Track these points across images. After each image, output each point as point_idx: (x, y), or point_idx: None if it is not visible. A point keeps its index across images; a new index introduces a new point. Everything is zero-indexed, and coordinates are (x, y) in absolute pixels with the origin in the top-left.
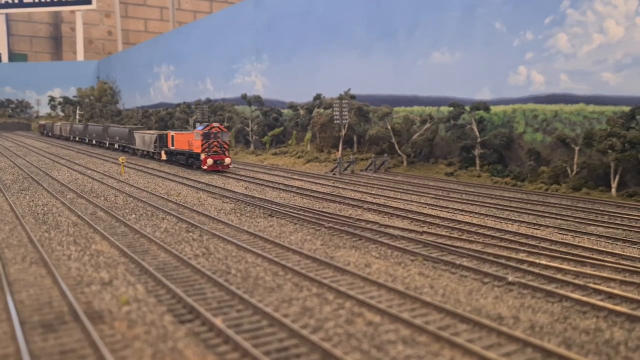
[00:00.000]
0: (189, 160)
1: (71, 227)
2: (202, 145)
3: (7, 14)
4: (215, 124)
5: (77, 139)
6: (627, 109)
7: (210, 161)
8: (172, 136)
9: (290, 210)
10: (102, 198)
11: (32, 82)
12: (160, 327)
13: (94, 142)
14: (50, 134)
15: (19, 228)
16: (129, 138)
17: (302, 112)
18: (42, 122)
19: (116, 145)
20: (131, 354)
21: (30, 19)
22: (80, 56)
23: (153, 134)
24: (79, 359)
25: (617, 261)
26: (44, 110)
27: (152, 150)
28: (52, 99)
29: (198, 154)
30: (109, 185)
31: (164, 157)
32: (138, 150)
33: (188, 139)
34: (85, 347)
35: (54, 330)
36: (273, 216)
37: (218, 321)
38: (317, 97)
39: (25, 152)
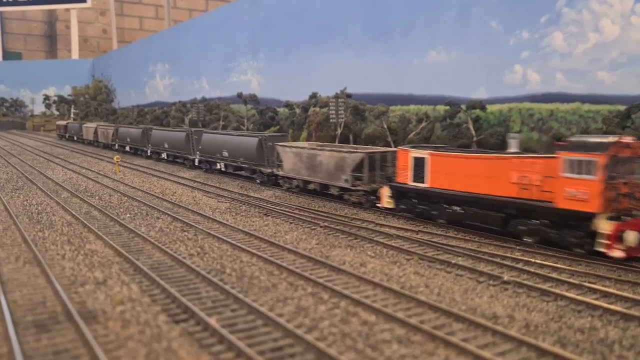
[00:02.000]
0: (517, 226)
1: (65, 227)
2: (605, 190)
3: (1, 12)
4: (629, 139)
5: (127, 148)
6: (622, 108)
7: (634, 237)
8: (425, 160)
9: (286, 209)
10: (97, 197)
11: (26, 81)
12: (155, 326)
13: (164, 156)
14: (75, 139)
15: (13, 227)
16: (260, 155)
17: (298, 110)
18: (63, 122)
19: (222, 166)
20: (125, 354)
21: (25, 17)
22: (75, 54)
23: (351, 152)
24: (73, 359)
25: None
26: (39, 109)
27: (346, 184)
28: (46, 97)
29: (583, 218)
30: (103, 184)
31: (386, 202)
32: (290, 179)
33: (520, 172)
34: (79, 347)
35: (47, 330)
36: (268, 215)
37: (212, 321)
38: (313, 95)
39: (20, 151)
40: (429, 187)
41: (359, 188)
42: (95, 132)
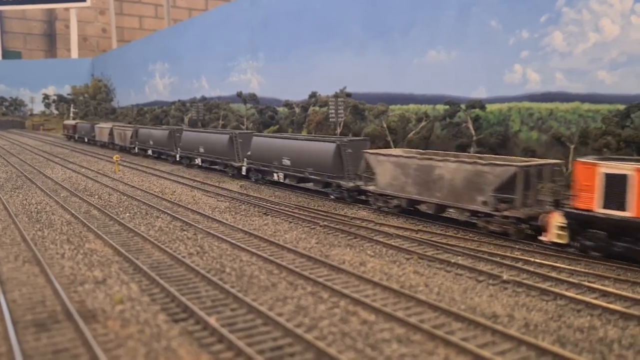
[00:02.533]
0: None
1: (65, 226)
2: None
3: (0, 11)
4: None
5: (149, 152)
6: (622, 107)
7: None
8: (628, 178)
9: (285, 208)
10: (96, 196)
11: (26, 80)
12: (154, 326)
13: (197, 162)
14: (86, 140)
15: (12, 227)
16: (337, 165)
17: (297, 110)
18: (71, 121)
19: (280, 177)
20: (125, 353)
21: (25, 17)
22: (74, 54)
23: (494, 164)
24: (72, 358)
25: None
26: (38, 108)
27: (485, 207)
28: (46, 96)
29: None
30: (103, 183)
31: (556, 234)
32: (387, 197)
33: None
34: (79, 346)
35: (46, 329)
36: (268, 215)
37: (212, 320)
38: (313, 95)
39: (19, 150)
40: (638, 218)
41: (505, 214)
42: (111, 134)
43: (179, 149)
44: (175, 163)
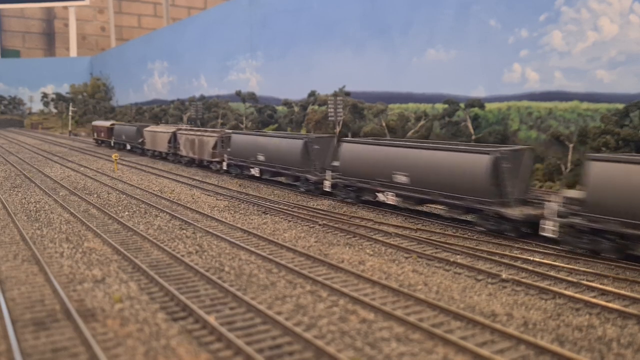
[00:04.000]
0: None
1: (64, 225)
2: None
3: None
4: None
5: (254, 172)
6: (621, 106)
7: None
8: None
9: (284, 207)
10: (95, 195)
11: (24, 79)
12: (153, 324)
13: (384, 198)
14: (129, 148)
15: (11, 225)
16: None
17: (296, 109)
18: (104, 122)
19: None
20: (124, 352)
21: (23, 15)
22: (73, 52)
23: None
24: (71, 357)
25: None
26: (37, 107)
27: None
28: (45, 95)
29: None
30: (102, 182)
31: None
32: None
33: None
34: (78, 345)
35: (45, 328)
36: (267, 213)
37: (211, 319)
38: (312, 94)
39: (18, 148)
40: None
41: None
42: (172, 141)
43: (329, 170)
44: (313, 193)
